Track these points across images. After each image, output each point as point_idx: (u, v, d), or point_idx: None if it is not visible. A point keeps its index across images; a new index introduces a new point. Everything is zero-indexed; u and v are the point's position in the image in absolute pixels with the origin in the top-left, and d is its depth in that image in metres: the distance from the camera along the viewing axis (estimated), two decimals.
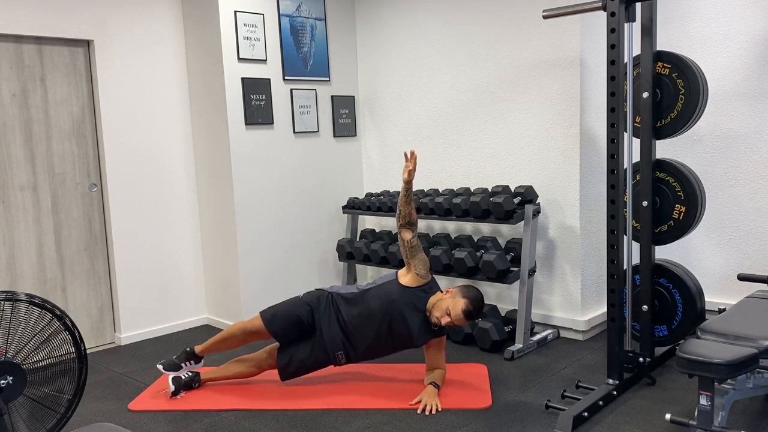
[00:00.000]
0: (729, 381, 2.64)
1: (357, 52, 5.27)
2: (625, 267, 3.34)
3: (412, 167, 3.36)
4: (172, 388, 3.44)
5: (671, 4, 4.21)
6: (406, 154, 3.42)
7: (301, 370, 3.48)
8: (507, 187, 4.17)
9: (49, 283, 4.29)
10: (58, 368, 2.64)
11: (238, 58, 4.47)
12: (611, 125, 3.17)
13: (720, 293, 4.17)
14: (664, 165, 3.46)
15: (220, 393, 3.50)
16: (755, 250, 4.04)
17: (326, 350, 3.43)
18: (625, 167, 3.28)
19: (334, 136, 5.12)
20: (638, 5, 3.31)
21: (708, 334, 2.67)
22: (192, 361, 3.58)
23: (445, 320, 3.23)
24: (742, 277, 3.33)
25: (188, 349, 3.59)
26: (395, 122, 5.06)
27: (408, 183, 3.36)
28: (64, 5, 4.18)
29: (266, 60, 4.63)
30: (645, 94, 3.39)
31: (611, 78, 3.14)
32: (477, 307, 3.24)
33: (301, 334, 3.45)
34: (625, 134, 3.30)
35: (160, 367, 3.52)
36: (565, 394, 3.20)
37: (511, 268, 3.98)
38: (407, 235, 3.41)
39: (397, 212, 3.44)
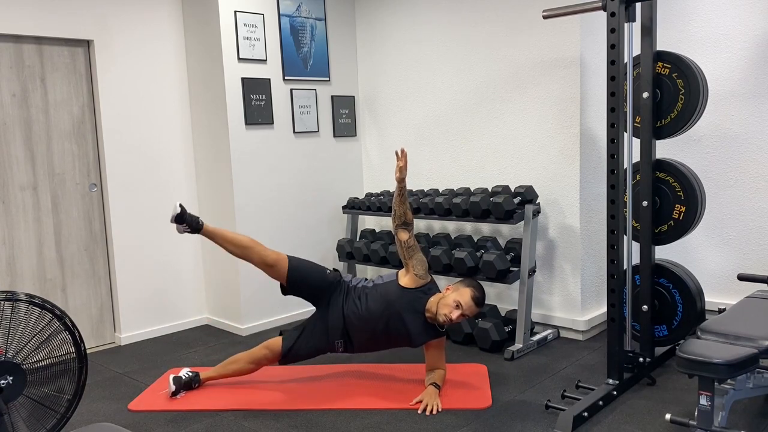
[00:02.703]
0: (729, 381, 2.64)
1: (357, 52, 5.27)
2: (625, 267, 3.34)
3: (404, 164, 3.35)
4: (173, 388, 3.45)
5: (671, 4, 4.21)
6: (397, 153, 3.40)
7: (301, 354, 3.46)
8: (507, 187, 4.17)
9: (49, 283, 4.29)
10: (58, 368, 2.64)
11: (238, 58, 4.47)
12: (611, 125, 3.17)
13: (720, 293, 4.17)
14: (664, 165, 3.46)
15: (220, 393, 3.50)
16: (755, 250, 4.04)
17: (327, 336, 3.43)
18: (625, 167, 3.28)
19: (334, 136, 5.12)
20: (638, 5, 3.31)
21: (708, 334, 2.66)
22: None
23: (456, 314, 3.22)
24: (742, 277, 3.33)
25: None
26: (395, 122, 5.06)
27: (401, 182, 3.35)
28: (64, 5, 4.18)
29: (266, 60, 4.63)
30: (645, 94, 3.38)
31: (611, 78, 3.14)
32: (483, 292, 3.33)
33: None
34: (625, 134, 3.30)
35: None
36: (565, 394, 3.20)
37: (511, 268, 3.98)
38: (404, 235, 3.40)
39: (392, 213, 3.43)
